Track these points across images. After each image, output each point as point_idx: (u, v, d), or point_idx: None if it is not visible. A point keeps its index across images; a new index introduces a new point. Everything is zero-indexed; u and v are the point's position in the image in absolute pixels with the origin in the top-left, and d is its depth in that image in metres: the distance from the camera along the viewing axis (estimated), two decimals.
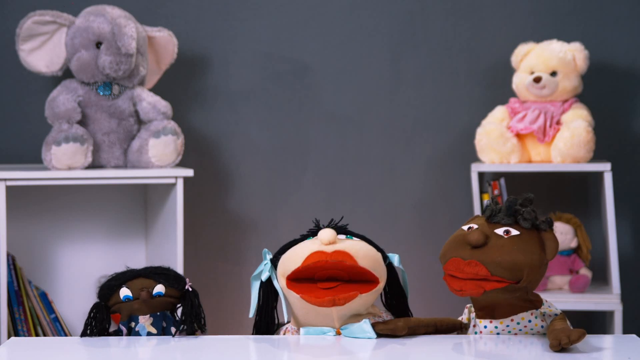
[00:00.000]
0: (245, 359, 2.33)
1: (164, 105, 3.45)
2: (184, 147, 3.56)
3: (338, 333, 2.40)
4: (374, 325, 2.38)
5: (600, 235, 3.68)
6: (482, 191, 3.54)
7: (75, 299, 3.60)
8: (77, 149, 3.32)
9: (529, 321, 2.39)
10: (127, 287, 2.44)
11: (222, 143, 3.75)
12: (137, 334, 2.42)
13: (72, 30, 3.40)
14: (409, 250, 3.72)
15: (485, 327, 2.40)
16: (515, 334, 2.39)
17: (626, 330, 3.53)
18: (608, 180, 3.44)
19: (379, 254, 2.45)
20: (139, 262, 3.63)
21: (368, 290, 2.38)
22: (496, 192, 3.53)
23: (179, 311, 2.47)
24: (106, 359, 2.31)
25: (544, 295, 3.40)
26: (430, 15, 3.73)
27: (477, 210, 3.51)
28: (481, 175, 3.58)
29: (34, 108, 3.64)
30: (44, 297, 3.47)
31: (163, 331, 2.43)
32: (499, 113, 3.57)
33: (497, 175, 3.62)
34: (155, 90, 3.61)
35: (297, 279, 2.38)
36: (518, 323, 2.39)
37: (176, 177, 3.37)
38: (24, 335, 3.38)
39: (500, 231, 2.34)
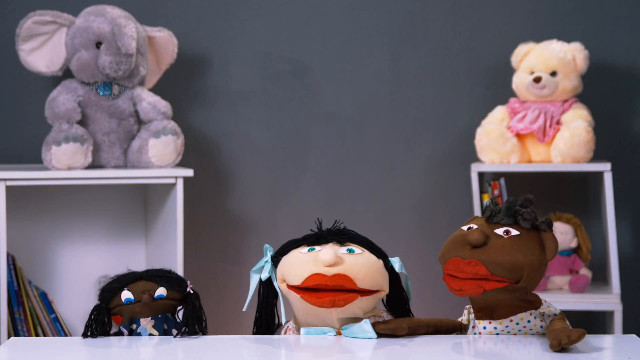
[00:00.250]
0: (246, 359, 2.33)
1: (164, 105, 3.45)
2: (184, 147, 3.56)
3: (338, 333, 2.40)
4: (374, 325, 2.38)
5: (600, 235, 3.68)
6: (482, 191, 3.54)
7: (75, 299, 3.60)
8: (77, 149, 3.32)
9: (528, 321, 2.39)
10: (128, 290, 2.44)
11: (222, 143, 3.75)
12: (139, 335, 2.42)
13: (72, 30, 3.40)
14: (409, 250, 3.72)
15: (484, 328, 2.40)
16: (515, 334, 2.39)
17: (626, 330, 3.53)
18: (608, 180, 3.44)
19: (380, 265, 2.43)
20: (139, 262, 3.63)
21: (368, 295, 2.38)
22: (496, 192, 3.53)
23: (181, 313, 2.47)
24: (107, 359, 2.31)
25: (544, 295, 3.40)
26: (430, 15, 3.73)
27: (477, 210, 3.51)
28: (481, 175, 3.58)
29: (34, 108, 3.64)
30: (44, 297, 3.47)
31: (165, 333, 2.43)
32: (499, 113, 3.57)
33: (497, 175, 3.62)
34: (155, 90, 3.61)
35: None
36: (517, 323, 2.39)
37: (176, 177, 3.37)
38: (24, 335, 3.38)
39: (500, 231, 2.34)
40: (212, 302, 3.68)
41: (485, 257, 2.30)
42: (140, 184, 3.65)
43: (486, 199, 3.52)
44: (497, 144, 3.47)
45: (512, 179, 3.65)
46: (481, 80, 3.73)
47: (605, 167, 3.45)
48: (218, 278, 3.75)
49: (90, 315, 2.44)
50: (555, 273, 3.56)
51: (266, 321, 2.50)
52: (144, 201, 3.69)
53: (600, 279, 3.65)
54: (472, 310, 2.44)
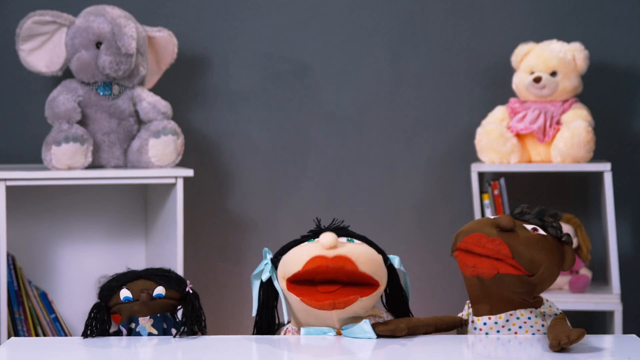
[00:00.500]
0: (246, 359, 2.33)
1: (164, 105, 3.45)
2: (184, 147, 3.56)
3: (339, 333, 2.40)
4: (374, 326, 2.38)
5: (600, 235, 3.68)
6: (482, 191, 3.54)
7: (75, 299, 3.60)
8: (77, 149, 3.32)
9: (529, 318, 2.39)
10: (127, 289, 2.44)
11: (222, 143, 3.75)
12: (138, 335, 2.42)
13: (72, 30, 3.40)
14: (409, 250, 3.72)
15: (484, 324, 2.40)
16: (515, 332, 2.39)
17: (626, 330, 3.53)
18: (608, 180, 3.44)
19: (380, 257, 2.44)
20: (139, 262, 3.63)
21: (368, 293, 2.37)
22: (496, 192, 3.53)
23: (180, 313, 2.47)
24: (106, 359, 2.31)
25: (543, 295, 3.40)
26: (430, 15, 3.73)
27: (477, 210, 3.51)
28: (481, 175, 3.58)
29: (34, 108, 3.64)
30: (44, 297, 3.47)
31: (164, 332, 2.43)
32: (499, 113, 3.57)
33: (497, 175, 3.62)
34: (155, 90, 3.61)
35: (297, 281, 2.38)
36: (518, 318, 2.39)
37: (176, 177, 3.37)
38: (24, 335, 3.38)
39: (528, 227, 2.37)
40: (212, 302, 3.68)
41: (511, 241, 2.33)
42: (140, 184, 3.65)
43: (486, 199, 3.52)
44: (497, 144, 3.47)
45: (512, 179, 3.65)
46: (481, 80, 3.73)
47: (605, 167, 3.45)
48: (218, 278, 3.75)
49: (90, 314, 2.45)
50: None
51: (267, 323, 2.50)
52: (144, 201, 3.69)
53: (600, 279, 3.65)
54: (471, 305, 2.45)
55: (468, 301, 2.48)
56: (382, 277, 2.42)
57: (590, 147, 3.44)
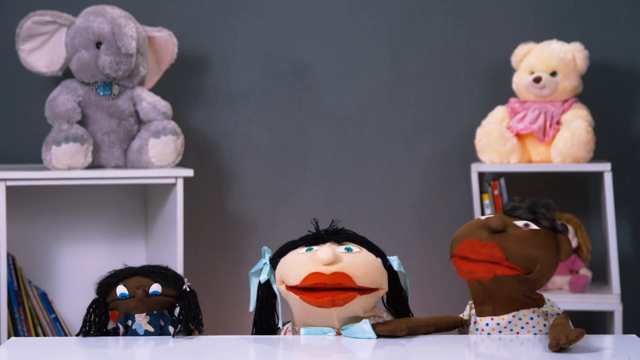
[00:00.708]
0: (245, 359, 2.33)
1: (164, 105, 3.45)
2: (184, 147, 3.56)
3: (338, 333, 2.40)
4: (374, 326, 2.38)
5: (600, 235, 3.68)
6: (482, 191, 3.54)
7: (75, 299, 3.60)
8: (77, 149, 3.32)
9: (531, 318, 2.39)
10: (123, 285, 2.44)
11: (222, 143, 3.75)
12: (134, 332, 2.42)
13: (72, 30, 3.40)
14: (408, 250, 3.72)
15: (487, 324, 2.40)
16: (517, 332, 2.39)
17: (626, 330, 3.53)
18: (608, 180, 3.44)
19: (379, 262, 2.43)
20: (139, 262, 3.62)
21: (367, 293, 2.38)
22: (496, 192, 3.53)
23: (177, 311, 2.47)
24: (106, 359, 2.31)
25: (544, 295, 3.40)
26: (430, 15, 3.73)
27: (477, 210, 3.51)
28: (481, 175, 3.57)
29: (34, 108, 3.64)
30: (44, 297, 3.47)
31: (161, 330, 2.43)
32: (499, 113, 3.57)
33: (497, 175, 3.62)
34: (155, 90, 3.61)
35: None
36: (520, 319, 2.39)
37: (176, 177, 3.37)
38: (24, 335, 3.38)
39: (520, 223, 2.37)
40: (212, 302, 3.68)
41: (503, 243, 2.32)
42: (140, 184, 3.65)
43: (486, 199, 3.52)
44: (497, 144, 3.47)
45: (512, 179, 3.65)
46: (481, 80, 3.73)
47: (605, 167, 3.45)
48: (218, 278, 3.75)
49: (89, 309, 2.45)
50: (555, 273, 3.56)
51: (266, 323, 2.50)
52: (144, 201, 3.69)
53: (600, 279, 3.65)
54: (473, 305, 2.44)
55: (470, 302, 2.48)
56: (381, 282, 2.42)
57: (590, 147, 3.44)
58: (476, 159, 3.60)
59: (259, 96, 3.75)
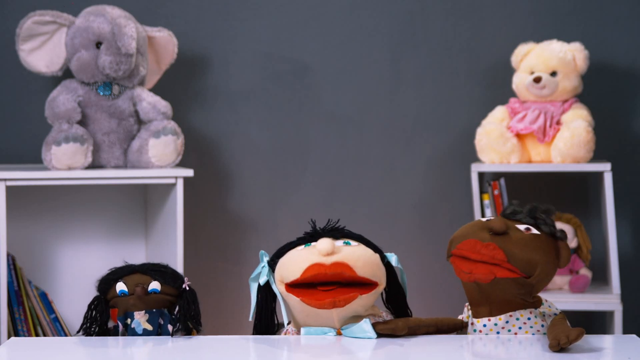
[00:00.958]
0: (245, 359, 2.32)
1: (164, 105, 3.45)
2: (184, 147, 3.56)
3: (339, 333, 2.40)
4: (374, 325, 2.38)
5: (600, 235, 3.68)
6: (482, 191, 3.54)
7: (75, 299, 3.60)
8: (77, 149, 3.32)
9: (528, 319, 2.39)
10: (123, 282, 2.44)
11: (222, 143, 3.75)
12: (133, 330, 2.42)
13: (72, 30, 3.40)
14: (408, 250, 3.71)
15: (484, 325, 2.40)
16: (515, 332, 2.39)
17: (626, 330, 3.53)
18: (608, 180, 3.44)
19: (377, 257, 2.44)
20: (139, 262, 3.62)
21: (368, 291, 2.38)
22: (496, 192, 3.53)
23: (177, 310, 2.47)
24: (106, 359, 2.31)
25: (543, 296, 3.40)
26: (430, 15, 3.73)
27: (477, 210, 3.51)
28: (481, 175, 3.57)
29: (34, 108, 3.64)
30: (44, 297, 3.47)
31: (159, 328, 2.43)
32: (499, 113, 3.57)
33: (497, 175, 3.62)
34: (155, 90, 3.61)
35: (296, 285, 2.38)
36: (517, 319, 2.39)
37: (176, 177, 3.37)
38: (24, 335, 3.38)
39: (521, 227, 2.37)
40: (212, 302, 3.68)
41: (505, 245, 2.32)
42: (140, 184, 3.65)
43: (486, 199, 3.52)
44: (497, 144, 3.47)
45: (512, 179, 3.65)
46: (481, 80, 3.73)
47: (605, 167, 3.45)
48: (218, 278, 3.75)
49: (90, 306, 2.45)
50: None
51: (265, 325, 2.49)
52: (144, 201, 3.69)
53: (600, 279, 3.65)
54: (470, 307, 2.45)
55: (467, 303, 2.48)
56: (381, 277, 2.42)
57: (590, 147, 3.44)
58: (476, 159, 3.60)
59: (259, 96, 3.75)
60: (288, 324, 2.50)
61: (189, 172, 3.39)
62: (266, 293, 2.47)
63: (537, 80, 3.49)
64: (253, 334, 2.50)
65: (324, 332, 2.40)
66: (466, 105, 3.73)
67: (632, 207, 3.73)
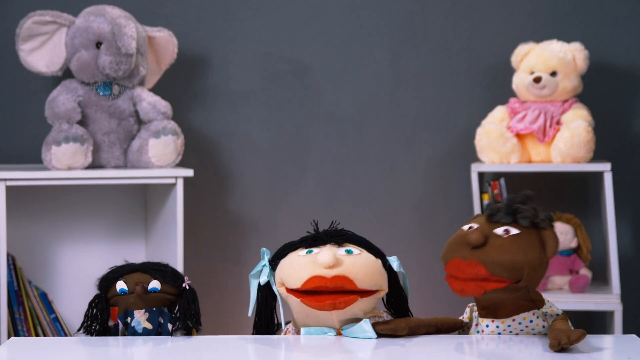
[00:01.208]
0: (245, 359, 2.32)
1: (164, 105, 3.45)
2: (184, 147, 3.56)
3: (339, 333, 2.40)
4: (374, 325, 2.38)
5: (600, 235, 3.68)
6: (482, 191, 3.54)
7: (75, 299, 3.60)
8: (77, 149, 3.32)
9: (531, 321, 2.39)
10: (123, 281, 2.45)
11: (222, 143, 3.75)
12: (133, 329, 2.42)
13: (72, 30, 3.40)
14: (408, 250, 3.71)
15: (487, 326, 2.40)
16: (517, 334, 2.39)
17: (626, 330, 3.53)
18: (608, 180, 3.44)
19: (379, 263, 2.43)
20: (139, 262, 3.62)
21: (368, 295, 2.38)
22: (496, 192, 3.53)
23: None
24: (106, 359, 2.31)
25: (544, 296, 3.40)
26: (430, 15, 3.73)
27: (477, 211, 3.51)
28: (481, 175, 3.57)
29: (34, 108, 3.64)
30: (44, 297, 3.47)
31: (160, 327, 2.43)
32: (499, 113, 3.57)
33: (497, 175, 3.62)
34: (155, 90, 3.61)
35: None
36: (520, 323, 2.39)
37: (176, 177, 3.37)
38: (24, 335, 3.38)
39: (499, 231, 2.33)
40: (212, 302, 3.68)
41: (485, 258, 2.30)
42: (140, 184, 3.65)
43: (486, 199, 3.52)
44: (497, 144, 3.47)
45: (512, 179, 3.65)
46: (481, 80, 3.73)
47: (605, 167, 3.45)
48: (218, 278, 3.75)
49: (90, 304, 2.45)
50: (555, 273, 3.56)
51: (265, 324, 2.49)
52: (144, 201, 3.69)
53: (600, 279, 3.65)
54: (475, 308, 2.44)
55: (471, 304, 2.47)
56: (382, 284, 2.42)
57: (590, 147, 3.44)
58: (476, 159, 3.60)
59: (259, 96, 3.75)
60: (287, 323, 2.50)
61: (189, 172, 3.39)
62: (266, 293, 2.47)
63: (537, 80, 3.49)
64: (253, 332, 2.50)
65: (324, 332, 2.40)
66: (466, 105, 3.73)
67: (632, 207, 3.73)
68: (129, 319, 2.42)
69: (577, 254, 3.57)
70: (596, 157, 3.60)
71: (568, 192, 3.74)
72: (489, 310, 2.40)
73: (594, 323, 3.72)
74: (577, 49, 3.54)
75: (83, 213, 3.64)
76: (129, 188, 3.66)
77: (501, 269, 2.29)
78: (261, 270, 2.47)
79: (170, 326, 2.43)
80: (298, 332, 2.45)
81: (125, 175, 3.35)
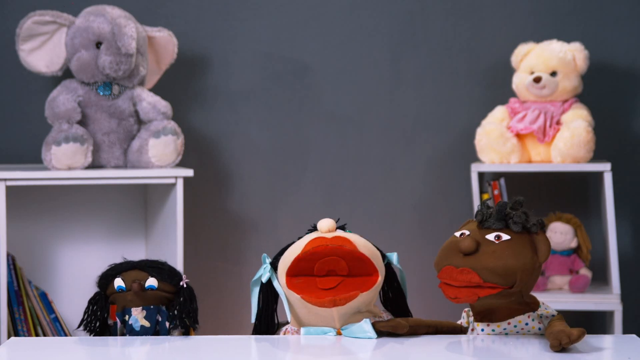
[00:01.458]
0: (246, 359, 2.32)
1: (164, 105, 3.45)
2: (184, 147, 3.56)
3: (339, 333, 2.40)
4: (374, 324, 2.38)
5: (600, 235, 3.68)
6: (482, 191, 3.54)
7: (75, 299, 3.60)
8: (77, 149, 3.32)
9: (526, 324, 2.39)
10: (121, 278, 2.45)
11: (222, 143, 3.75)
12: (131, 326, 2.42)
13: (72, 30, 3.40)
14: (408, 250, 3.71)
15: (482, 330, 2.40)
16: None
17: (626, 330, 3.53)
18: (608, 180, 3.44)
19: (378, 253, 2.45)
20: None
21: (368, 287, 2.38)
22: (496, 192, 3.53)
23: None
24: (105, 359, 2.31)
25: (544, 296, 3.40)
26: (430, 15, 3.73)
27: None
28: (481, 175, 3.57)
29: (34, 108, 3.64)
30: (44, 297, 3.47)
31: (157, 325, 2.43)
32: (499, 113, 3.57)
33: (497, 175, 3.62)
34: (155, 90, 3.61)
35: (296, 274, 2.38)
36: (515, 326, 2.39)
37: (176, 177, 3.37)
38: (24, 335, 3.38)
39: (491, 237, 2.33)
40: (212, 302, 3.68)
41: (477, 265, 2.29)
42: (140, 184, 3.65)
43: (486, 199, 3.51)
44: (497, 144, 3.47)
45: (512, 179, 3.65)
46: (481, 80, 3.73)
47: (605, 167, 3.45)
48: (218, 278, 3.75)
49: (91, 301, 2.46)
50: (555, 273, 3.56)
51: (266, 325, 2.50)
52: (144, 201, 3.69)
53: (600, 279, 3.65)
54: (471, 313, 2.44)
55: (466, 309, 2.47)
56: (380, 267, 2.43)
57: (590, 147, 3.44)
58: (476, 159, 3.60)
59: (259, 96, 3.75)
60: (287, 324, 2.50)
61: (189, 172, 3.39)
62: (268, 293, 2.48)
63: (537, 80, 3.49)
64: (253, 333, 2.50)
65: (324, 332, 2.40)
66: (466, 105, 3.73)
67: (632, 207, 3.73)
68: (126, 317, 2.43)
69: (577, 254, 3.57)
70: (596, 157, 3.60)
71: (568, 192, 3.74)
72: (484, 315, 2.40)
73: (594, 323, 3.72)
74: (577, 49, 3.54)
75: (83, 213, 3.64)
76: (129, 188, 3.66)
77: (494, 275, 2.29)
78: (262, 274, 2.48)
79: (167, 324, 2.43)
80: (298, 331, 2.45)
81: (125, 175, 3.35)
